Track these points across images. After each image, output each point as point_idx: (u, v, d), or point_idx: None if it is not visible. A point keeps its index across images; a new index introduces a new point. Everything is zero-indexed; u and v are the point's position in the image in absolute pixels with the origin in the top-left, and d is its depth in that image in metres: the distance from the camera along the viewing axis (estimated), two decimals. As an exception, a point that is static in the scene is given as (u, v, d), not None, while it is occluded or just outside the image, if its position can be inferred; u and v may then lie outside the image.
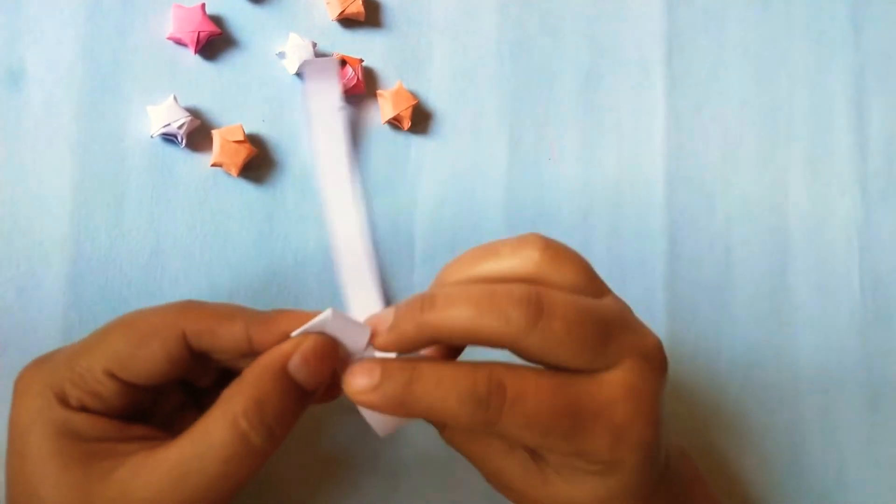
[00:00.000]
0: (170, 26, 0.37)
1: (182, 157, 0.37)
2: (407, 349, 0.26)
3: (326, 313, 0.26)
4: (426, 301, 0.25)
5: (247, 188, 0.37)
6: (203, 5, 0.37)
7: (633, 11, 0.44)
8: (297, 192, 0.38)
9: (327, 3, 0.39)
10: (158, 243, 0.36)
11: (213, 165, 0.36)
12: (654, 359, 0.26)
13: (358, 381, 0.25)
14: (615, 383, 0.25)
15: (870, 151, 0.47)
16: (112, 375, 0.26)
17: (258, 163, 0.38)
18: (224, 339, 0.27)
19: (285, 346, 0.26)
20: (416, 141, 0.40)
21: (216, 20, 0.38)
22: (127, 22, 0.36)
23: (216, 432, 0.25)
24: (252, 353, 0.27)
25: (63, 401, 0.26)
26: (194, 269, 0.36)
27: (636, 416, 0.25)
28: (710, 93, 0.45)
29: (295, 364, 0.25)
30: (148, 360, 0.26)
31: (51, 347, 0.34)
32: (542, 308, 0.24)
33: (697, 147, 0.45)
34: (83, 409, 0.26)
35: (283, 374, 0.25)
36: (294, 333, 0.26)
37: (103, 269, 0.35)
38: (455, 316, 0.24)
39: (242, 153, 0.36)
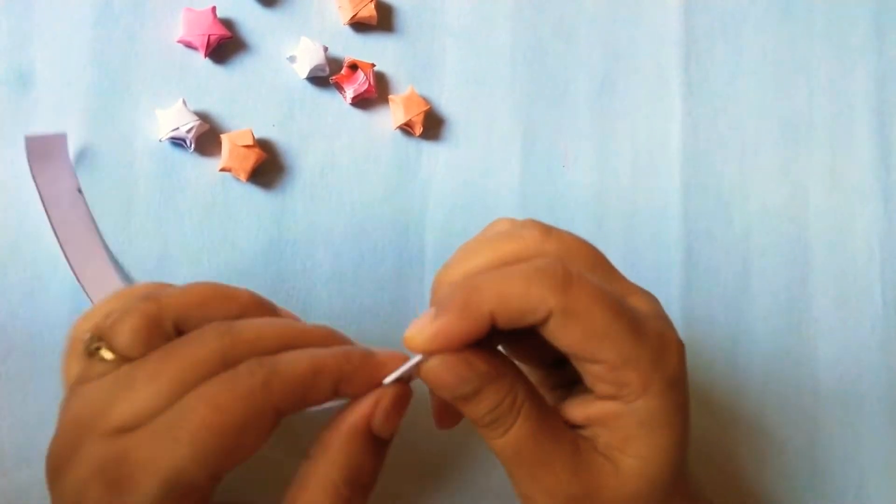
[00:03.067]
0: (180, 29, 0.36)
1: (190, 162, 0.36)
2: (453, 339, 0.25)
3: (416, 358, 0.25)
4: (467, 287, 0.25)
5: (256, 193, 0.37)
6: (213, 9, 0.36)
7: (649, 17, 0.44)
8: (306, 197, 0.38)
9: (339, 7, 0.39)
10: (166, 248, 0.36)
11: (221, 170, 0.36)
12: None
13: (419, 322, 0.24)
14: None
15: (892, 161, 0.46)
16: (215, 477, 0.24)
17: (267, 168, 0.37)
18: (314, 400, 0.25)
19: (366, 405, 0.26)
20: (427, 147, 0.40)
21: (226, 24, 0.37)
22: (137, 25, 0.36)
23: None
24: None
25: None
26: (202, 275, 0.36)
27: (675, 354, 0.26)
28: (727, 100, 0.44)
29: (378, 422, 0.26)
30: (249, 449, 0.24)
31: (55, 353, 0.33)
32: (570, 275, 0.24)
33: (714, 155, 0.44)
34: None
35: (369, 434, 0.26)
36: (387, 381, 0.26)
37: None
38: (493, 295, 0.24)
39: (251, 158, 0.36)
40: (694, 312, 0.42)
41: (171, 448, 0.23)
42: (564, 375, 0.30)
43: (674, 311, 0.42)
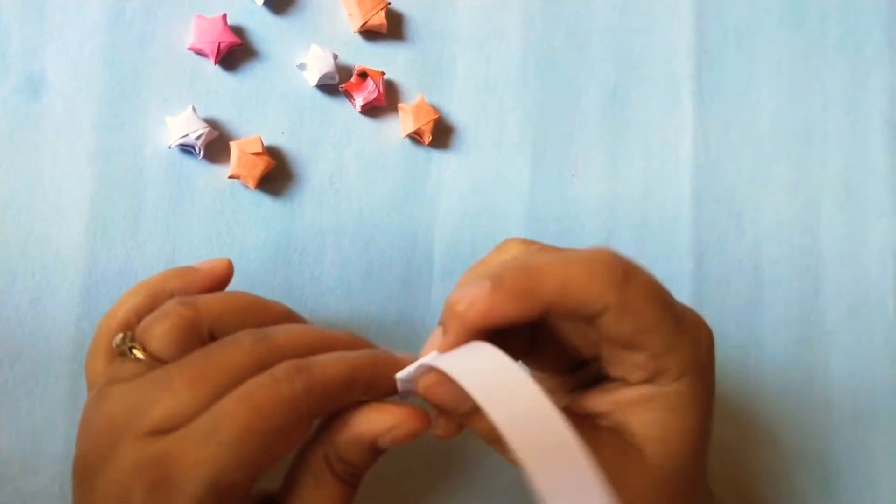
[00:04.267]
0: (191, 37, 0.37)
1: (199, 169, 0.36)
2: (502, 320, 0.24)
3: (427, 357, 0.25)
4: (530, 268, 0.24)
5: (264, 201, 0.37)
6: (224, 16, 0.36)
7: (661, 25, 0.43)
8: (314, 206, 0.38)
9: (349, 15, 0.39)
10: (174, 255, 0.36)
11: (230, 177, 0.36)
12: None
13: (471, 290, 0.24)
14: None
15: (907, 172, 0.45)
16: (255, 478, 0.25)
17: (276, 175, 0.37)
18: (345, 404, 0.27)
19: (377, 427, 0.26)
20: (437, 155, 0.40)
21: (237, 31, 0.37)
22: (148, 32, 0.36)
23: (322, 487, 0.26)
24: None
25: None
26: (210, 282, 0.36)
27: (707, 341, 0.27)
28: (740, 110, 0.44)
29: (384, 441, 0.26)
30: (289, 450, 0.25)
31: (63, 359, 0.34)
32: (628, 269, 0.24)
33: (726, 165, 0.43)
34: None
35: (374, 445, 0.26)
36: (399, 375, 0.26)
37: (118, 280, 0.35)
38: (556, 283, 0.24)
39: (260, 165, 0.36)
40: (704, 324, 0.42)
41: (214, 450, 0.23)
42: (580, 378, 0.29)
43: (684, 322, 0.41)
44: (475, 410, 0.24)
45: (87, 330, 0.34)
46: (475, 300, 0.24)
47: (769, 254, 0.43)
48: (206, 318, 0.27)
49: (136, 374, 0.26)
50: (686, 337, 0.25)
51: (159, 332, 0.26)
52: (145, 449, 0.24)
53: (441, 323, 0.25)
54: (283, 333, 0.27)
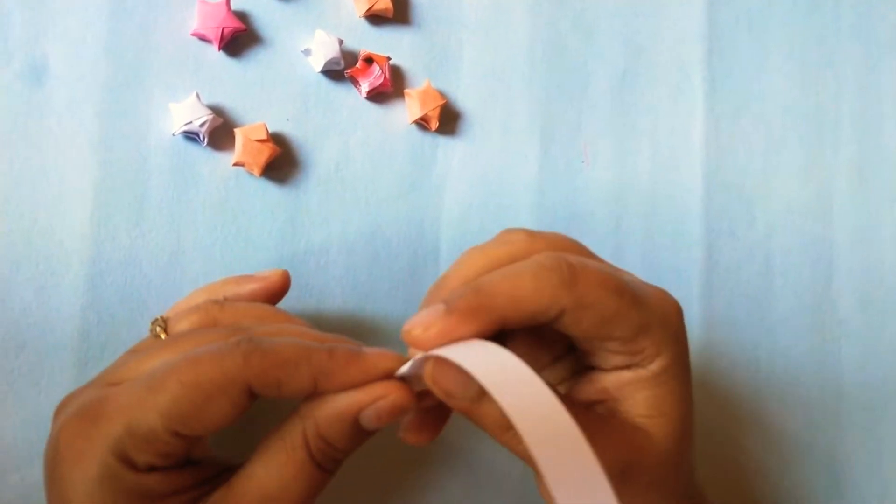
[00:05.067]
0: (194, 22, 0.36)
1: (204, 157, 0.36)
2: (459, 332, 0.24)
3: (417, 360, 0.25)
4: (477, 289, 0.24)
5: (269, 189, 0.37)
6: (228, 1, 0.36)
7: (671, 10, 0.43)
8: (320, 193, 0.37)
9: (355, 0, 0.38)
10: (179, 244, 0.35)
11: (235, 165, 0.36)
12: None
13: (423, 317, 0.24)
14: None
15: (921, 158, 0.45)
16: (177, 434, 0.25)
17: (281, 163, 0.37)
18: (290, 388, 0.25)
19: (363, 398, 0.25)
20: (443, 142, 0.39)
21: (241, 16, 0.37)
22: (151, 18, 0.36)
23: (290, 470, 0.25)
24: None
25: (130, 465, 0.25)
26: (215, 271, 0.35)
27: (674, 311, 0.27)
28: (751, 96, 0.43)
29: (368, 418, 0.25)
30: (215, 416, 0.25)
31: (68, 349, 0.33)
32: (575, 267, 0.25)
33: (737, 152, 0.43)
34: (151, 468, 0.25)
35: (354, 422, 0.25)
36: (400, 371, 0.26)
37: (123, 269, 0.34)
38: (505, 299, 0.24)
39: (265, 153, 0.35)
40: (715, 313, 0.41)
41: (140, 396, 0.24)
42: (565, 368, 0.30)
43: (694, 311, 0.41)
44: (480, 398, 0.25)
45: (91, 319, 0.34)
46: (430, 325, 0.24)
47: (781, 242, 0.43)
48: (227, 317, 0.29)
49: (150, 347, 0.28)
50: (652, 314, 0.26)
51: (185, 323, 0.29)
52: (93, 394, 0.26)
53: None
54: (268, 329, 0.27)
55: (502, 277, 0.25)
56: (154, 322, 0.29)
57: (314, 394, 0.26)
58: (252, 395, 0.25)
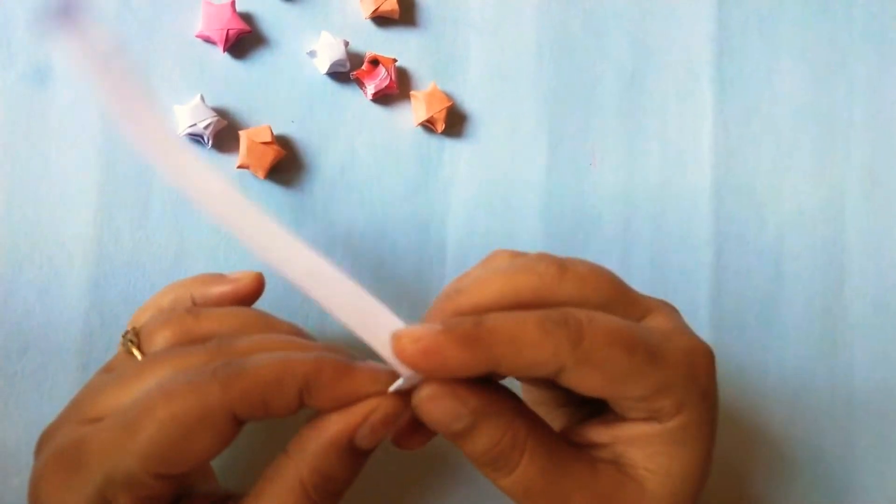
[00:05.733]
0: (199, 24, 0.36)
1: (208, 159, 0.36)
2: (444, 366, 0.23)
3: (409, 376, 0.24)
4: (480, 323, 0.23)
5: (274, 191, 0.36)
6: (233, 2, 0.36)
7: (680, 11, 0.42)
8: (325, 196, 0.37)
9: (360, 1, 0.38)
10: (183, 246, 0.35)
11: (239, 167, 0.35)
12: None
13: (418, 329, 0.23)
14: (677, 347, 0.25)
15: (935, 161, 0.44)
16: (159, 475, 0.23)
17: (286, 165, 0.36)
18: (277, 408, 0.23)
19: (353, 418, 0.24)
20: (450, 144, 0.39)
21: (246, 18, 0.37)
22: (155, 19, 0.36)
23: None
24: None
25: None
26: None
27: (704, 366, 0.25)
28: (761, 98, 0.43)
29: (363, 437, 0.24)
30: (197, 450, 0.23)
31: (71, 351, 0.33)
32: (581, 324, 0.23)
33: (747, 155, 0.42)
34: None
35: (349, 446, 0.24)
36: (392, 388, 0.24)
37: (126, 271, 0.34)
38: (506, 338, 0.23)
39: (270, 155, 0.35)
40: (724, 318, 0.41)
41: (119, 438, 0.23)
42: (567, 395, 0.29)
43: (702, 316, 0.40)
44: (471, 430, 0.24)
45: (95, 322, 0.34)
46: (419, 338, 0.22)
47: (791, 246, 0.42)
48: (203, 330, 0.27)
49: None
50: (674, 372, 0.24)
51: (157, 338, 0.26)
52: (71, 433, 0.24)
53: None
54: (246, 340, 0.25)
55: (507, 318, 0.23)
56: (125, 336, 0.27)
57: (304, 408, 0.24)
58: (238, 422, 0.23)
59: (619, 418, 0.25)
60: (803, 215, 0.42)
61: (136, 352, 0.26)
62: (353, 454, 0.24)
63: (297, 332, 0.29)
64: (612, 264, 0.31)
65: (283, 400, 0.23)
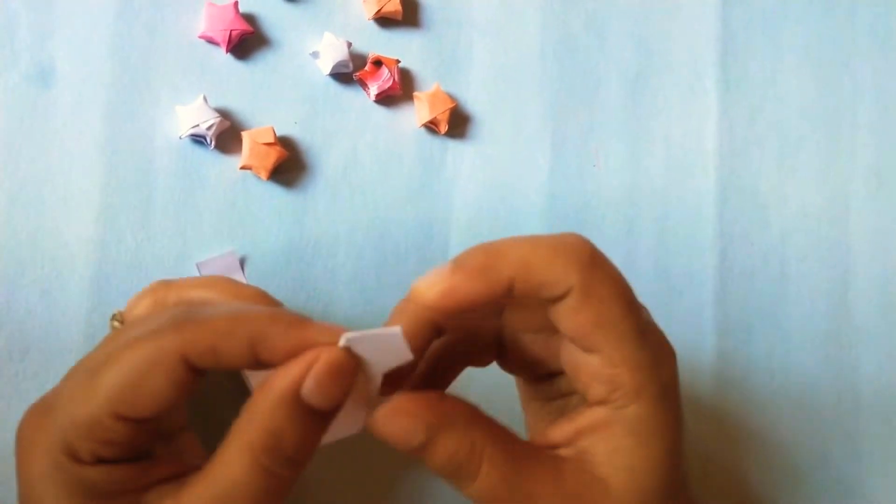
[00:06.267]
0: (201, 24, 0.36)
1: (211, 160, 0.36)
2: (465, 299, 0.24)
3: (390, 329, 0.24)
4: (490, 249, 0.24)
5: (277, 192, 0.36)
6: (236, 3, 0.36)
7: (684, 10, 0.42)
8: (328, 197, 0.37)
9: (363, 2, 0.38)
10: (185, 247, 0.35)
11: (242, 168, 0.35)
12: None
13: (432, 275, 0.24)
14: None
15: (941, 162, 0.44)
16: (119, 418, 0.23)
17: (289, 166, 0.36)
18: (227, 357, 0.24)
19: (296, 369, 0.23)
20: (453, 145, 0.39)
21: (249, 19, 0.36)
22: (158, 20, 0.36)
23: (238, 471, 0.23)
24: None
25: (75, 457, 0.24)
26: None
27: (670, 363, 0.26)
28: (766, 97, 0.43)
29: (308, 389, 0.23)
30: (154, 393, 0.23)
31: (73, 352, 0.33)
32: (597, 256, 0.24)
33: (752, 155, 0.42)
34: (98, 460, 0.24)
35: (297, 401, 0.23)
36: (342, 341, 0.24)
37: (129, 272, 0.34)
38: (517, 260, 0.24)
39: (272, 156, 0.35)
40: (728, 320, 0.40)
41: (83, 383, 0.24)
42: (554, 388, 0.29)
43: (707, 318, 0.40)
44: (428, 444, 0.24)
45: (97, 322, 0.34)
46: (436, 282, 0.24)
47: (796, 247, 0.42)
48: (173, 294, 0.29)
49: None
50: (646, 352, 0.24)
51: (138, 309, 0.29)
52: (52, 390, 0.26)
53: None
54: (213, 309, 0.25)
55: (517, 241, 0.24)
56: (112, 317, 0.30)
57: (256, 364, 0.24)
58: (193, 369, 0.24)
59: (581, 410, 0.26)
60: (808, 216, 0.42)
61: (118, 325, 0.29)
62: (305, 413, 0.23)
63: (261, 294, 0.29)
64: (615, 265, 0.31)
65: (233, 348, 0.23)
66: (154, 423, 0.25)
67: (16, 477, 0.25)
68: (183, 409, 0.29)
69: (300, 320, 0.24)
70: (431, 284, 0.24)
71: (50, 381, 0.33)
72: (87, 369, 0.24)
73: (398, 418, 0.24)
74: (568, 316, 0.24)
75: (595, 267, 0.24)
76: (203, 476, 0.24)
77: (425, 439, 0.24)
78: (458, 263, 0.24)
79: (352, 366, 0.24)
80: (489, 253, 0.24)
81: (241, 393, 0.34)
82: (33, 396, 0.32)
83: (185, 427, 0.30)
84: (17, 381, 0.33)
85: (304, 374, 0.23)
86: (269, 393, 0.23)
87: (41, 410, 0.25)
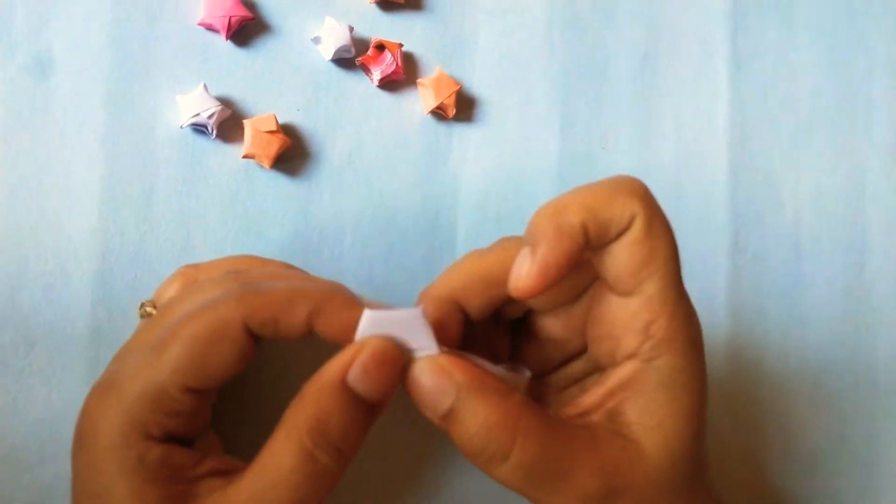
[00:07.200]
0: (200, 11, 0.35)
1: (213, 149, 0.35)
2: (556, 267, 0.24)
3: (411, 309, 0.25)
4: (550, 210, 0.25)
5: (280, 181, 0.36)
6: (235, -12, 0.35)
7: (694, -12, 0.41)
8: (332, 184, 0.36)
9: (365, -15, 0.37)
10: (189, 238, 0.35)
11: (244, 157, 0.35)
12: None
13: (518, 267, 0.25)
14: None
15: (958, 138, 0.43)
16: (188, 390, 0.25)
17: (292, 154, 0.36)
18: (287, 328, 0.25)
19: (345, 357, 0.24)
20: (459, 130, 0.38)
21: (249, 5, 0.36)
22: (156, 7, 0.35)
23: (284, 458, 0.24)
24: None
25: (143, 432, 0.25)
26: (226, 266, 0.35)
27: (698, 321, 0.27)
28: (778, 76, 0.42)
29: (355, 376, 0.24)
30: (221, 363, 0.25)
31: (79, 346, 0.33)
32: (652, 197, 0.25)
33: (764, 135, 0.41)
34: (165, 435, 0.25)
35: (344, 388, 0.24)
36: (358, 335, 0.25)
37: (132, 264, 0.34)
38: (579, 207, 0.24)
39: (275, 144, 0.35)
40: (742, 302, 0.40)
41: (149, 358, 0.25)
42: (568, 373, 0.29)
43: (720, 300, 0.40)
44: (458, 409, 0.24)
45: (102, 316, 0.33)
46: (524, 269, 0.24)
47: (810, 227, 0.41)
48: (202, 274, 0.29)
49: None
50: (682, 306, 0.25)
51: (170, 291, 0.29)
52: (113, 365, 0.27)
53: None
54: (259, 273, 0.27)
55: (574, 192, 0.25)
56: (141, 307, 0.30)
57: (310, 336, 0.25)
58: (253, 337, 0.25)
59: (607, 372, 0.26)
60: (823, 195, 0.41)
61: (151, 310, 0.29)
62: (351, 401, 0.24)
63: (287, 266, 0.30)
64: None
65: (293, 319, 0.25)
66: (213, 396, 0.27)
67: (74, 455, 0.26)
68: (209, 407, 0.28)
69: (353, 300, 0.25)
70: (520, 277, 0.24)
71: (56, 375, 0.33)
72: (149, 345, 0.25)
73: (431, 374, 0.24)
74: (627, 249, 0.24)
75: (653, 200, 0.25)
76: (251, 467, 0.25)
77: (455, 401, 0.24)
78: (531, 238, 0.24)
79: (397, 355, 0.24)
80: (552, 213, 0.24)
81: (238, 405, 0.34)
82: (39, 391, 0.33)
83: (209, 426, 0.29)
84: (23, 377, 0.33)
85: (352, 361, 0.24)
86: (317, 380, 0.24)
87: (104, 389, 0.26)
